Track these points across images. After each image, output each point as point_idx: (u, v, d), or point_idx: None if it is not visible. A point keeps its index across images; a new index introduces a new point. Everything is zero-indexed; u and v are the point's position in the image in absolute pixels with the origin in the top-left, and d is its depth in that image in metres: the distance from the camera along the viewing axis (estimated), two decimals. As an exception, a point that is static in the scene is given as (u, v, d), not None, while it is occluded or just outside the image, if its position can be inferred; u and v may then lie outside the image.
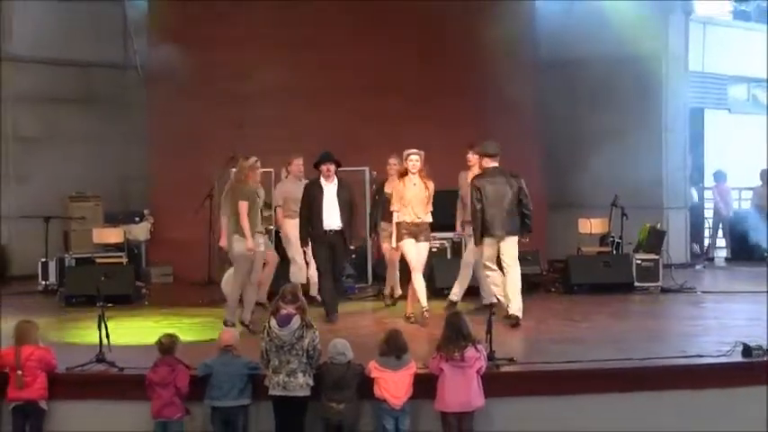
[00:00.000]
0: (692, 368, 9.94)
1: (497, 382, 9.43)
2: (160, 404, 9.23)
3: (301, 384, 9.11)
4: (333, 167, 12.91)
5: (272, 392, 9.17)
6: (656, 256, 15.83)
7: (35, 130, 18.53)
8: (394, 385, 9.13)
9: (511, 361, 9.84)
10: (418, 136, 15.76)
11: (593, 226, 16.72)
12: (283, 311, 9.26)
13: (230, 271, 12.97)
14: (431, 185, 12.87)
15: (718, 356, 10.14)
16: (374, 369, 9.21)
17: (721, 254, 20.47)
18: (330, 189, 12.89)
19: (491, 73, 17.15)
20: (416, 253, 12.79)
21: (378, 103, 17.11)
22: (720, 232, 20.53)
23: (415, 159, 12.77)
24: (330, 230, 12.84)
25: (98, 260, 15.64)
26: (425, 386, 9.21)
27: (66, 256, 16.04)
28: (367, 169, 15.84)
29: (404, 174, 12.89)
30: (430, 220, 12.94)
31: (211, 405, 9.27)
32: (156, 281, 16.74)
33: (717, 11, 22.89)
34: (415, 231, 12.77)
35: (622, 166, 17.69)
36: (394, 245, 13.07)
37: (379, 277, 15.52)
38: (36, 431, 9.44)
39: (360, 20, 17.23)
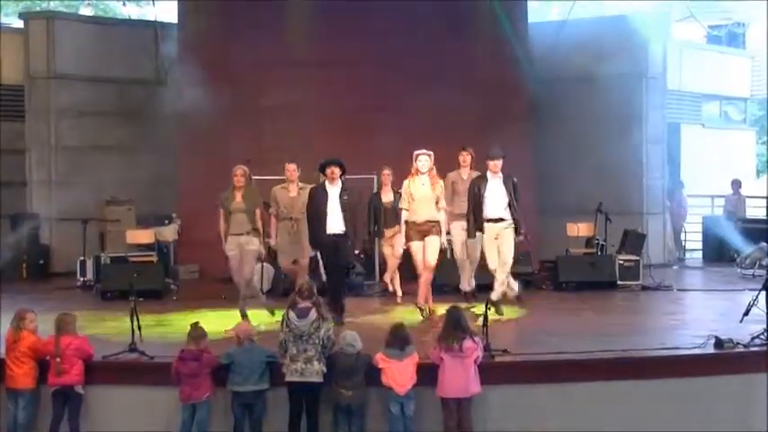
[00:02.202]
0: (670, 359, 9.92)
1: (492, 371, 9.43)
2: (190, 389, 9.23)
3: (317, 371, 9.14)
4: (337, 170, 12.18)
5: (289, 378, 9.17)
6: (637, 257, 15.80)
7: (76, 140, 18.58)
8: (399, 374, 9.14)
9: (505, 352, 9.82)
10: (419, 147, 15.78)
11: (579, 230, 16.71)
12: (301, 305, 9.31)
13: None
14: (440, 184, 12.50)
15: (693, 348, 10.13)
16: (381, 360, 9.23)
17: (695, 255, 20.47)
18: (334, 192, 12.17)
19: (488, 89, 17.11)
20: (424, 252, 12.33)
21: (382, 117, 17.03)
22: (683, 235, 20.50)
23: (424, 160, 12.38)
24: (333, 234, 12.10)
25: (131, 259, 15.60)
26: (427, 374, 9.21)
27: (102, 255, 16.01)
28: (375, 177, 15.78)
29: (414, 174, 12.45)
30: (442, 218, 12.44)
31: (233, 390, 9.27)
32: (184, 278, 16.68)
33: (692, 35, 22.93)
34: (424, 230, 12.33)
35: (607, 175, 17.73)
36: (402, 245, 12.82)
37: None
38: (74, 414, 9.45)
39: (366, 42, 17.19)
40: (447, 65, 17.21)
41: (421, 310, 12.42)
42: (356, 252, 13.90)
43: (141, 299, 11.37)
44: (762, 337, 10.20)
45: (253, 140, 16.97)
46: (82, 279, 16.07)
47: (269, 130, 17.32)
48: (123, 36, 19.23)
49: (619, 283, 15.39)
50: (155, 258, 15.90)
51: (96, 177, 17.98)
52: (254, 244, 12.18)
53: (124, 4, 23.17)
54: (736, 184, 20.14)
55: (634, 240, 16.45)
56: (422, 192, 12.35)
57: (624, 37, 18.22)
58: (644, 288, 15.32)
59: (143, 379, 9.68)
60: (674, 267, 18.42)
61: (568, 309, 13.42)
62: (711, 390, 9.70)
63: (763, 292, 11.62)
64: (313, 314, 9.26)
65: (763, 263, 16.54)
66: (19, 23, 19.62)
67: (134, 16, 23.34)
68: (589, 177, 17.88)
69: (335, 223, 12.10)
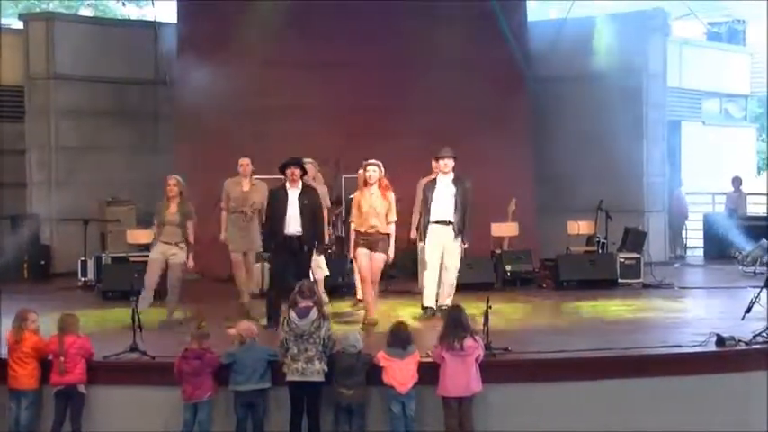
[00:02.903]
0: (671, 357, 9.93)
1: (493, 370, 9.45)
2: (192, 388, 9.25)
3: (318, 370, 9.14)
4: (298, 172, 11.85)
5: (290, 378, 9.18)
6: (638, 255, 15.80)
7: (76, 140, 18.59)
8: (400, 373, 9.16)
9: (506, 350, 9.83)
10: (420, 149, 15.74)
11: (580, 228, 16.70)
12: (302, 304, 9.32)
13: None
14: (390, 196, 12.06)
15: (695, 346, 10.14)
16: (382, 358, 9.25)
17: (696, 253, 20.49)
18: (294, 193, 11.80)
19: (488, 89, 17.12)
20: (369, 264, 11.98)
21: (384, 117, 17.04)
22: (683, 233, 20.52)
23: (371, 170, 11.99)
24: (291, 236, 11.70)
25: (132, 259, 15.58)
26: (429, 373, 9.23)
27: (103, 255, 16.03)
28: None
29: (363, 185, 12.12)
30: (389, 231, 12.03)
31: (235, 389, 9.29)
32: (184, 278, 16.67)
33: (692, 33, 22.92)
34: (370, 242, 11.94)
35: (607, 173, 17.74)
36: (352, 253, 12.42)
37: (387, 275, 15.44)
38: (76, 413, 9.48)
39: (370, 46, 17.21)
40: (449, 66, 17.22)
41: (372, 324, 11.78)
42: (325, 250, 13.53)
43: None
44: (763, 334, 10.22)
45: (254, 141, 16.95)
46: (83, 279, 16.10)
47: (270, 131, 17.31)
48: (123, 37, 19.24)
49: (620, 281, 15.41)
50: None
51: (96, 178, 18.01)
52: (181, 257, 12.12)
53: (124, 5, 23.21)
54: (737, 182, 20.16)
55: (635, 238, 16.44)
56: (370, 202, 11.98)
57: (624, 35, 18.25)
58: (645, 286, 15.34)
59: (145, 379, 9.70)
60: (675, 265, 18.43)
61: (569, 307, 13.43)
62: (713, 388, 9.72)
63: (765, 290, 11.67)
64: (314, 313, 9.27)
65: (764, 260, 16.57)
66: (18, 24, 19.62)
67: (133, 17, 23.39)
68: (589, 175, 17.91)
69: (294, 224, 11.74)
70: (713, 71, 21.66)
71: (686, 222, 20.41)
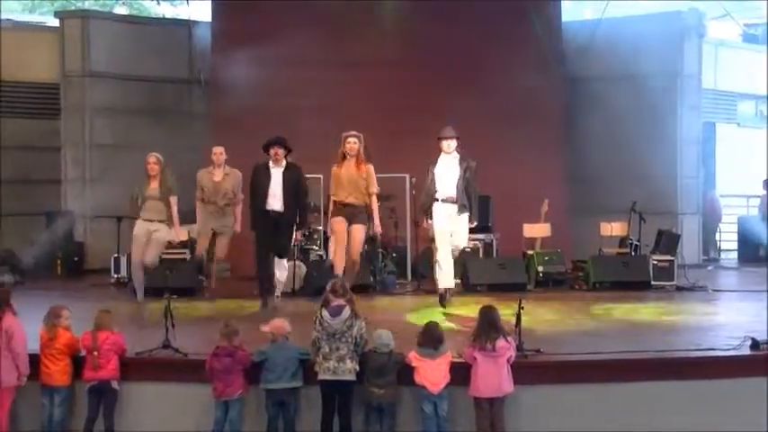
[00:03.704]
0: (705, 360, 9.83)
1: (525, 371, 9.38)
2: (223, 386, 9.25)
3: (349, 369, 9.11)
4: (281, 151, 12.05)
5: (321, 377, 9.16)
6: (671, 257, 15.71)
7: (110, 138, 18.73)
8: (432, 373, 9.12)
9: (538, 351, 9.76)
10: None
11: (613, 229, 16.63)
12: (334, 303, 9.28)
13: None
14: (366, 168, 12.20)
15: (729, 349, 10.03)
16: (414, 358, 9.21)
17: (730, 256, 20.38)
18: (277, 172, 12.02)
19: (521, 89, 17.07)
20: (345, 234, 12.00)
21: (413, 117, 17.03)
22: (717, 235, 20.39)
23: (352, 142, 12.16)
24: (272, 211, 11.92)
25: (164, 256, 15.65)
26: (460, 374, 9.19)
27: (136, 251, 16.10)
28: (407, 176, 15.79)
29: (341, 158, 12.24)
30: (370, 203, 12.22)
31: (266, 388, 9.28)
32: (216, 275, 16.73)
33: (728, 34, 22.77)
34: (348, 212, 12.06)
35: (641, 174, 17.66)
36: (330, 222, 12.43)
37: (419, 274, 15.48)
38: (109, 409, 9.50)
39: (402, 43, 17.22)
40: (478, 65, 17.21)
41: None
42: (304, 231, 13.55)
43: (174, 296, 11.40)
44: (798, 338, 10.13)
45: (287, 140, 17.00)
46: (116, 276, 16.20)
47: (300, 130, 17.32)
48: (157, 35, 19.39)
49: (653, 283, 15.31)
50: (188, 256, 15.94)
51: (130, 175, 18.01)
52: (164, 231, 12.08)
53: (158, 3, 23.28)
54: (766, 184, 20.06)
55: (668, 240, 16.33)
56: (348, 175, 12.12)
57: (659, 36, 18.16)
58: (678, 288, 15.24)
59: (177, 376, 9.71)
60: (709, 268, 18.33)
61: (601, 309, 13.35)
62: (746, 391, 9.61)
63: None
64: (346, 312, 9.23)
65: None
66: (54, 22, 19.77)
67: (168, 15, 23.48)
68: (623, 177, 17.85)
69: (275, 201, 11.89)
70: (748, 72, 21.51)
71: (720, 225, 20.29)
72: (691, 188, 18.97)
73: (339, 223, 12.03)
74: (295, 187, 12.02)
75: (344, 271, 12.11)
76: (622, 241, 16.53)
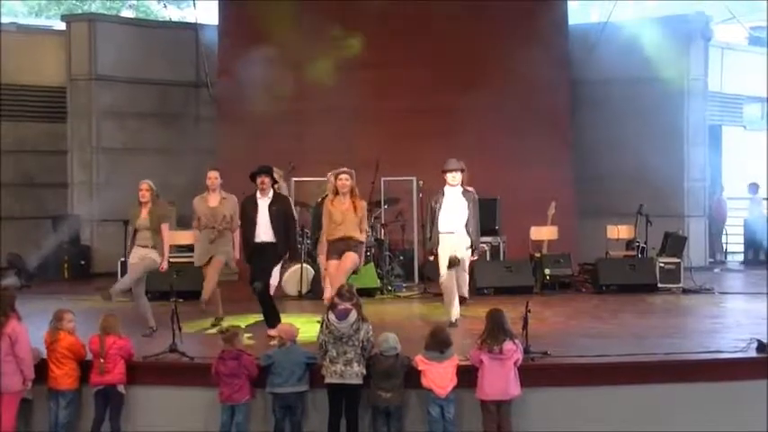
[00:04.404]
0: (712, 362, 9.83)
1: (532, 374, 9.38)
2: (230, 391, 9.24)
3: (356, 373, 9.12)
4: (267, 180, 11.66)
5: (328, 380, 9.16)
6: (678, 260, 15.70)
7: (117, 141, 18.75)
8: (439, 376, 9.12)
9: (545, 354, 9.76)
10: (459, 150, 15.70)
11: (620, 232, 16.62)
12: (341, 307, 9.28)
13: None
14: (361, 205, 11.81)
15: (735, 352, 10.04)
16: (421, 362, 9.21)
17: (736, 258, 20.36)
18: (264, 204, 11.61)
19: (528, 91, 17.06)
20: (337, 273, 11.45)
21: (424, 120, 17.03)
22: (723, 238, 20.37)
23: (344, 178, 11.70)
24: (262, 243, 11.53)
25: (171, 260, 15.63)
26: (467, 377, 9.19)
27: (143, 255, 16.06)
28: (414, 179, 15.79)
29: (334, 194, 11.81)
30: (362, 239, 11.80)
31: (272, 392, 9.28)
32: (223, 279, 16.70)
33: (734, 37, 22.74)
34: (342, 248, 11.60)
35: (647, 177, 17.63)
36: (323, 264, 12.10)
37: (426, 277, 15.46)
38: (115, 413, 9.50)
39: (409, 47, 17.20)
40: (487, 68, 17.17)
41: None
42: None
43: (181, 300, 11.38)
44: (806, 340, 10.11)
45: (294, 142, 17.01)
46: (122, 280, 16.16)
47: (310, 133, 17.36)
48: (164, 38, 19.41)
49: (659, 285, 15.31)
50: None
51: (137, 178, 17.99)
52: (154, 255, 11.75)
53: (165, 7, 23.32)
54: (754, 187, 20.27)
55: (675, 243, 16.33)
56: (341, 212, 11.72)
57: (665, 39, 18.14)
58: (685, 291, 15.22)
59: (183, 380, 9.71)
60: (716, 270, 18.30)
61: (609, 311, 13.34)
62: (753, 393, 9.59)
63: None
64: (353, 316, 9.25)
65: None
66: (61, 26, 19.79)
67: (174, 18, 23.49)
68: (630, 179, 17.85)
69: (264, 232, 11.55)
70: (754, 75, 21.47)
71: (726, 227, 20.27)
72: (697, 191, 18.95)
73: (332, 266, 11.70)
74: (283, 217, 11.63)
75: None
76: (629, 244, 16.52)
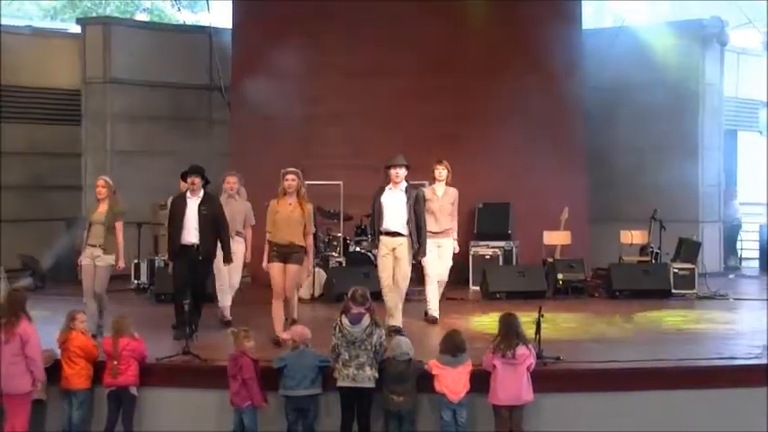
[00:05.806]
0: (726, 368, 9.83)
1: (545, 379, 9.41)
2: (231, 393, 9.31)
3: (369, 377, 9.15)
4: (198, 180, 11.46)
5: (341, 384, 9.20)
6: (692, 266, 15.66)
7: (131, 144, 18.78)
8: (452, 381, 9.15)
9: (558, 359, 9.78)
10: (472, 155, 15.83)
11: (633, 237, 16.56)
12: (354, 311, 9.31)
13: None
14: (307, 208, 11.45)
15: (750, 358, 10.03)
16: (434, 366, 9.24)
17: (752, 264, 20.29)
18: (193, 203, 11.42)
19: (542, 97, 17.00)
20: (282, 279, 11.24)
21: (433, 126, 16.99)
22: (738, 244, 20.31)
23: (290, 179, 11.36)
24: (189, 245, 11.32)
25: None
26: (480, 382, 9.20)
27: (156, 258, 16.09)
28: (426, 183, 15.76)
29: (281, 195, 11.44)
30: (305, 243, 11.39)
31: (285, 395, 9.32)
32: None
33: (750, 42, 22.67)
34: (284, 253, 11.24)
35: (662, 182, 17.60)
36: (265, 264, 11.60)
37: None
38: (128, 414, 9.57)
39: (421, 50, 17.18)
40: (495, 72, 17.12)
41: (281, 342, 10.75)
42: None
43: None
44: (820, 347, 10.10)
45: (304, 146, 17.02)
46: (136, 282, 16.22)
47: (319, 136, 17.37)
48: (178, 42, 19.45)
49: (673, 291, 15.27)
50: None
51: (150, 181, 18.13)
52: (105, 260, 11.55)
53: (179, 10, 23.36)
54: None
55: (689, 248, 16.28)
56: (286, 213, 11.33)
57: (680, 43, 18.12)
58: (699, 297, 15.18)
59: (196, 382, 9.77)
60: (730, 276, 18.25)
61: (622, 317, 13.31)
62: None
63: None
64: (366, 320, 9.27)
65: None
66: (76, 29, 19.86)
67: (188, 22, 23.55)
68: (644, 184, 17.82)
69: (191, 234, 11.37)
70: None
71: (741, 233, 20.21)
72: (712, 196, 18.88)
73: (277, 269, 11.33)
74: (212, 219, 11.44)
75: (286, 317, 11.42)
76: (643, 249, 16.47)
